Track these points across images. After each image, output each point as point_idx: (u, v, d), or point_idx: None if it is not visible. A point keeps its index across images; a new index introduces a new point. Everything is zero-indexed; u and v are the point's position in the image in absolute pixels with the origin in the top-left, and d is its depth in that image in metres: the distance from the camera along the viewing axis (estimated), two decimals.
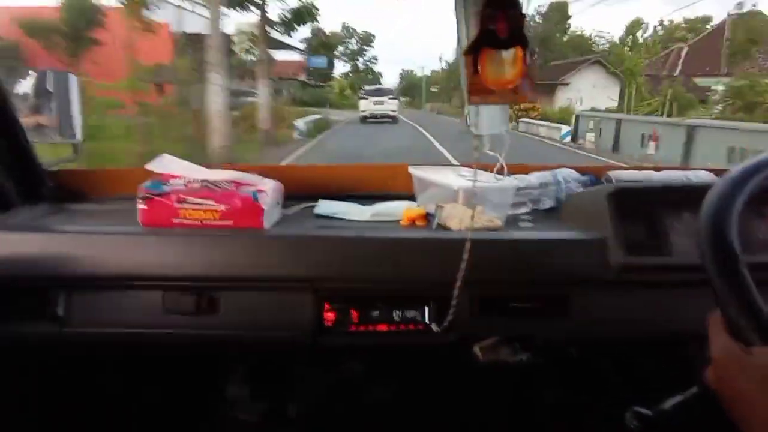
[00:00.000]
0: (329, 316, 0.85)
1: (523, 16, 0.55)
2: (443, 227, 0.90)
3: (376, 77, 58.57)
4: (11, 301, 0.83)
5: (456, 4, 0.63)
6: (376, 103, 19.22)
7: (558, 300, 0.88)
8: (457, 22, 0.63)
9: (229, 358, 1.12)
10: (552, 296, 0.88)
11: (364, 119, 19.20)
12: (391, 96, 20.30)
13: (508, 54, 0.57)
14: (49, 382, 1.05)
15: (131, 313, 0.84)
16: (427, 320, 0.86)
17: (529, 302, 0.87)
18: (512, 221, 0.98)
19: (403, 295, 0.87)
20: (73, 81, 1.17)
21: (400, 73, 74.46)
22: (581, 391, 1.12)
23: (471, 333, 0.87)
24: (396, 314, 0.86)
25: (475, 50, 0.57)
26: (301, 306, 0.85)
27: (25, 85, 1.15)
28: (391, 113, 18.93)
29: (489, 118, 0.68)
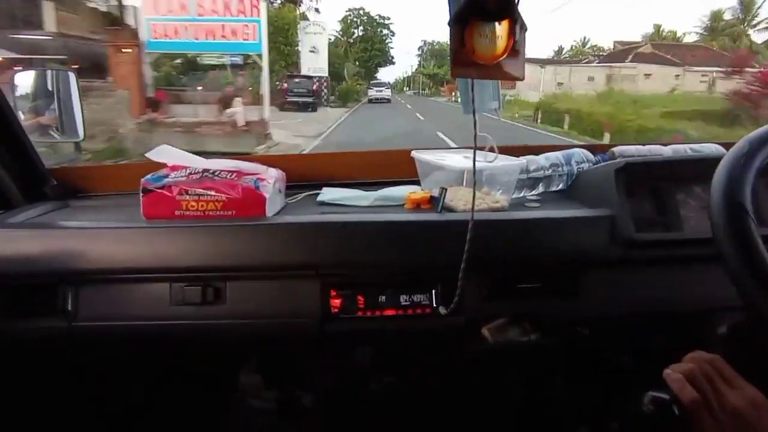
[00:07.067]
0: (335, 302, 0.84)
1: None
2: (448, 209, 0.89)
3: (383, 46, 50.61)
4: (19, 297, 0.83)
5: None
6: (377, 91, 31.71)
7: (567, 279, 0.86)
8: None
9: (240, 348, 1.12)
10: (560, 276, 0.86)
11: (370, 101, 30.78)
12: (387, 87, 34.37)
13: (496, 27, 0.54)
14: (59, 377, 1.06)
15: (138, 306, 0.84)
16: (434, 304, 0.85)
17: (537, 282, 0.86)
18: (520, 202, 0.97)
19: (409, 279, 0.86)
20: (73, 79, 1.17)
21: (420, 47, 64.56)
22: (591, 371, 1.11)
23: (479, 315, 0.86)
24: (403, 298, 0.85)
25: (462, 21, 0.54)
26: (306, 293, 0.84)
27: (25, 85, 1.16)
28: (387, 97, 31.79)
29: (479, 95, 0.66)
